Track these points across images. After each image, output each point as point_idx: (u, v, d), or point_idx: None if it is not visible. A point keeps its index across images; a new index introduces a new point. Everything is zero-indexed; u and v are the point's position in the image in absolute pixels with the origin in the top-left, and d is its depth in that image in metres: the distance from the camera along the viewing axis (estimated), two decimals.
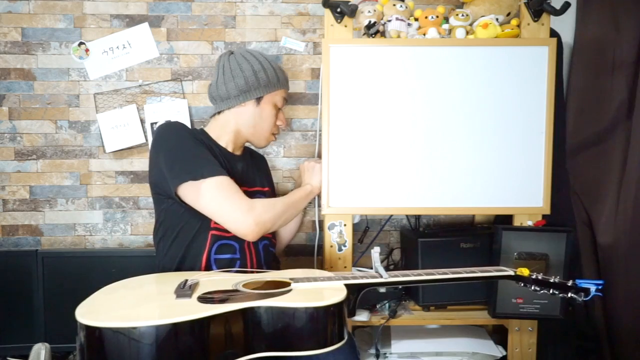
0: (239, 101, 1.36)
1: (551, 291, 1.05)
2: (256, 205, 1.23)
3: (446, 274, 1.08)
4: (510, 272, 1.09)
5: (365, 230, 1.80)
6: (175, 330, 0.80)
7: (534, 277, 1.07)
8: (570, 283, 1.03)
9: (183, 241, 1.26)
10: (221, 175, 1.19)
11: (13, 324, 1.57)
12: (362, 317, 1.48)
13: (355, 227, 1.74)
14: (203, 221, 1.25)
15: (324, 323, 0.88)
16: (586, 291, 1.01)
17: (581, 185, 1.66)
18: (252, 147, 1.57)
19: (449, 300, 1.53)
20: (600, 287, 1.01)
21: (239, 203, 1.20)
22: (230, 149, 1.40)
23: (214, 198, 1.18)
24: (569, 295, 1.03)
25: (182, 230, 1.27)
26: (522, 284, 1.10)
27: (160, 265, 1.30)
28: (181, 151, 1.21)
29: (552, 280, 1.05)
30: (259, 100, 1.38)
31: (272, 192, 1.56)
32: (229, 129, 1.39)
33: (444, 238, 1.53)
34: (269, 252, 1.39)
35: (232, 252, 1.27)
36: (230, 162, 1.36)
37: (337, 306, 0.89)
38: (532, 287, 1.07)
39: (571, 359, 1.56)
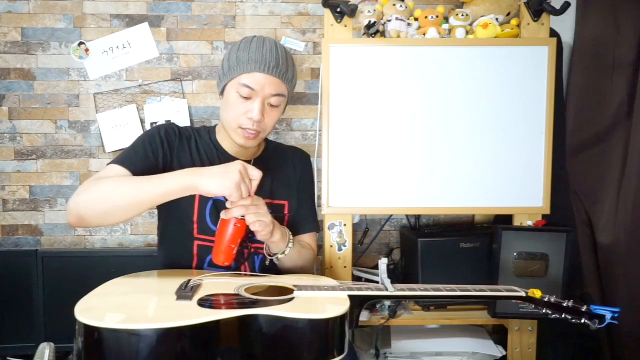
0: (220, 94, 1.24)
1: (564, 316, 0.99)
2: (88, 183, 1.03)
3: (454, 290, 1.03)
4: (522, 293, 1.04)
5: (365, 232, 1.80)
6: (172, 335, 0.79)
7: (546, 299, 1.02)
8: (584, 308, 0.97)
9: (168, 252, 1.20)
10: (119, 165, 1.08)
11: (13, 324, 1.57)
12: (362, 317, 1.48)
13: (356, 227, 1.74)
14: (185, 227, 1.16)
15: (324, 336, 0.86)
16: (601, 319, 0.95)
17: (581, 185, 1.66)
18: (294, 153, 1.38)
19: (449, 300, 1.53)
20: (616, 315, 0.95)
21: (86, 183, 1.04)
22: (233, 152, 1.24)
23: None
24: (583, 321, 0.97)
25: (165, 237, 1.21)
26: (533, 307, 1.05)
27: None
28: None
29: (565, 305, 0.99)
30: (223, 91, 1.21)
31: (296, 206, 1.30)
32: (220, 125, 1.27)
33: (444, 238, 1.53)
34: (268, 269, 1.21)
35: (225, 268, 1.15)
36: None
37: (338, 319, 0.87)
38: (544, 310, 1.02)
39: (571, 358, 1.56)
